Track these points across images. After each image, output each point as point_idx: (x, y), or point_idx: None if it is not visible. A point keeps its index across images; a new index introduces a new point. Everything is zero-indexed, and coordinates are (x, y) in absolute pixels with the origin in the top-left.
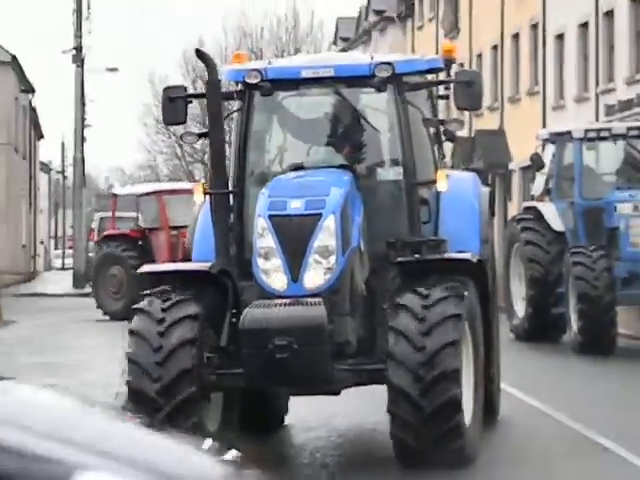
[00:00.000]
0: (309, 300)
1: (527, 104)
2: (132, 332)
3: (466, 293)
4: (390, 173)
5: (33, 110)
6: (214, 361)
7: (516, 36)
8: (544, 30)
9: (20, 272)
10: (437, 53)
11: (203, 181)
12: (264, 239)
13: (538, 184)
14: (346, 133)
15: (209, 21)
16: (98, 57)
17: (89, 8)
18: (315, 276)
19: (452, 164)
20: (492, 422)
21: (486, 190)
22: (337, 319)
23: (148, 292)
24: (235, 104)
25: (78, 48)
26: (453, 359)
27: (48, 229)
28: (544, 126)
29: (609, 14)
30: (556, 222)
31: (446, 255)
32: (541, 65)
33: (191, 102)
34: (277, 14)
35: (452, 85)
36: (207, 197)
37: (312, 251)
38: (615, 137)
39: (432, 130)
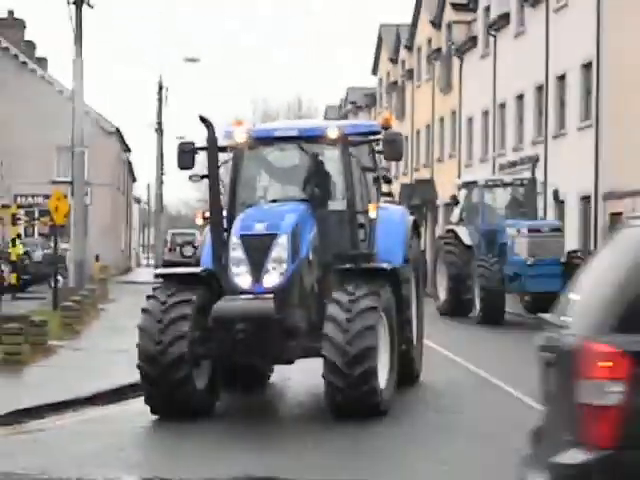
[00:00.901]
0: (263, 296)
1: (448, 163)
2: (143, 310)
3: (382, 292)
4: (337, 204)
5: (129, 163)
6: (204, 336)
7: (442, 119)
8: (460, 116)
9: (120, 267)
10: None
11: (203, 209)
12: (236, 252)
13: (455, 214)
14: (307, 176)
15: (242, 106)
16: (172, 126)
17: (167, 99)
18: (271, 278)
19: (399, 201)
20: (413, 380)
21: (411, 218)
22: (288, 309)
23: (155, 287)
24: (227, 155)
25: (159, 123)
26: (370, 339)
27: (138, 240)
28: (459, 177)
29: (502, 106)
30: (467, 239)
31: (371, 265)
32: (457, 138)
33: (198, 153)
34: (288, 101)
35: (381, 142)
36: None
37: (269, 260)
38: (505, 185)
39: (373, 175)
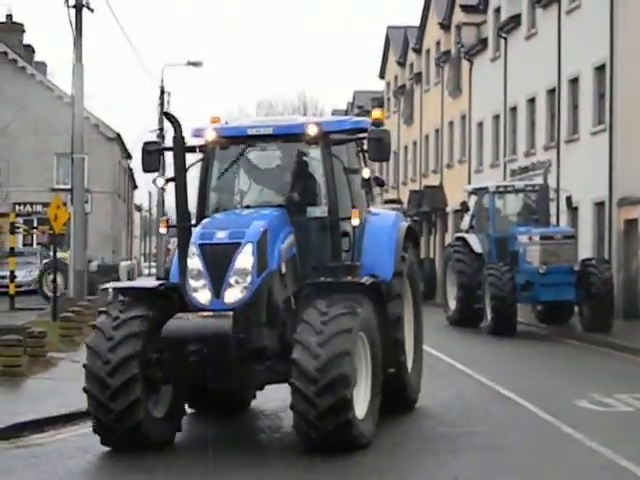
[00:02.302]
0: (221, 314)
1: (458, 168)
2: (94, 327)
3: (359, 310)
4: (317, 211)
5: (130, 170)
6: (161, 358)
7: (451, 124)
8: (470, 120)
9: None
10: (398, 135)
11: (166, 217)
12: (194, 262)
13: (465, 221)
14: (284, 179)
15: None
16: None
17: (169, 103)
18: (233, 293)
19: (407, 208)
20: (409, 407)
21: (405, 225)
22: (253, 329)
23: (108, 303)
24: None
25: (161, 129)
26: (344, 366)
27: (139, 248)
28: (469, 183)
29: (514, 110)
30: (477, 247)
31: (347, 279)
32: (467, 143)
33: (163, 154)
34: (293, 104)
35: (367, 141)
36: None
37: (231, 273)
38: (516, 191)
39: (362, 177)
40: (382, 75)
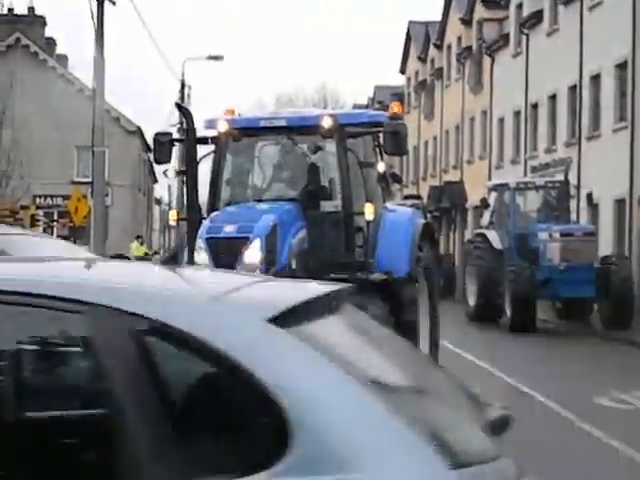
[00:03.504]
0: None
1: (479, 164)
2: None
3: (369, 307)
4: (331, 205)
5: (150, 163)
6: None
7: (472, 119)
8: (491, 116)
9: None
10: (419, 131)
11: (176, 210)
12: (201, 257)
13: (485, 218)
14: (298, 172)
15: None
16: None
17: (189, 97)
18: None
19: (427, 204)
20: None
21: (421, 222)
22: None
23: None
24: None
25: (181, 122)
26: None
27: (159, 242)
28: (490, 179)
29: (535, 106)
30: (497, 243)
31: (353, 276)
32: (488, 139)
33: (175, 145)
34: (313, 99)
35: (383, 134)
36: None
37: (239, 268)
38: (537, 188)
39: (377, 172)
40: (403, 70)
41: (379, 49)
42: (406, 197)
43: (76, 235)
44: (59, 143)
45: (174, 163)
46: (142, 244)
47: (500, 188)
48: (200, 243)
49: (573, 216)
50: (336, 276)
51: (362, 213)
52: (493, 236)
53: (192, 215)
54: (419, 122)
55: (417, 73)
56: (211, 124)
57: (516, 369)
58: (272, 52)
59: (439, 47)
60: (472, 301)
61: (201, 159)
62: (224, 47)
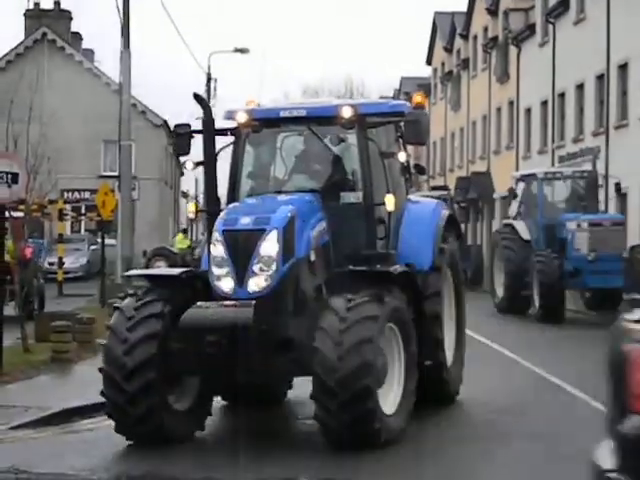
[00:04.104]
0: (242, 303)
1: (506, 155)
2: (116, 308)
3: (388, 299)
4: (352, 197)
5: (177, 157)
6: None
7: (498, 110)
8: (517, 106)
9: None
10: (445, 122)
11: (195, 201)
12: (217, 249)
13: (513, 208)
14: (318, 164)
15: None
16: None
17: (215, 90)
18: (257, 281)
19: (455, 195)
20: (449, 402)
21: (446, 214)
22: (278, 319)
23: (126, 293)
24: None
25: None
26: (367, 354)
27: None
28: (517, 169)
29: (562, 95)
30: (525, 234)
31: (378, 267)
32: (515, 129)
33: (194, 137)
34: (339, 91)
35: (403, 123)
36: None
37: (256, 260)
38: (565, 177)
39: (403, 163)
40: (429, 61)
41: (405, 40)
42: (433, 188)
43: (104, 229)
44: (86, 137)
45: (194, 155)
46: (185, 237)
47: (527, 178)
48: (216, 236)
49: (601, 206)
50: (355, 269)
51: (383, 204)
52: (521, 227)
53: (211, 207)
54: (446, 113)
55: (443, 64)
56: (230, 115)
57: (543, 359)
58: (298, 44)
59: (465, 37)
60: (500, 292)
61: (220, 151)
62: (250, 40)
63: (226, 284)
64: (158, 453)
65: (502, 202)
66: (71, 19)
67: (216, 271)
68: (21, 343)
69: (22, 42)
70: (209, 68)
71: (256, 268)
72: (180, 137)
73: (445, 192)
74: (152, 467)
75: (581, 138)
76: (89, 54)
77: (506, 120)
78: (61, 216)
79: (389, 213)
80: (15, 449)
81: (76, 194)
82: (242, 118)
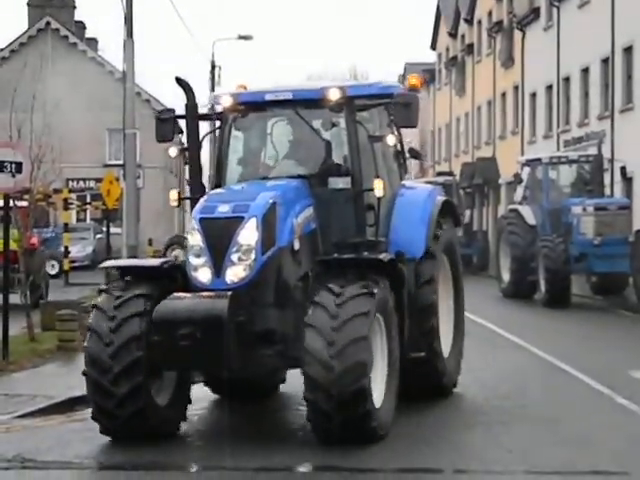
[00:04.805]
0: (218, 294)
1: (511, 140)
2: (94, 306)
3: (376, 290)
4: (340, 182)
5: (182, 144)
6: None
7: (503, 95)
8: (522, 91)
9: None
10: (450, 107)
11: (177, 189)
12: (194, 238)
13: (518, 193)
14: (306, 149)
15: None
16: None
17: (219, 78)
18: (235, 272)
19: (460, 181)
20: (445, 394)
21: (441, 200)
22: (257, 310)
23: (105, 286)
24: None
25: (212, 104)
26: (362, 353)
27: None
28: (522, 154)
29: (567, 80)
30: (530, 219)
31: (365, 255)
32: (520, 114)
33: (177, 122)
34: (343, 77)
35: (393, 105)
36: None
37: (234, 249)
38: (570, 162)
39: (396, 149)
40: (433, 46)
41: (409, 26)
42: (439, 174)
43: (109, 218)
44: (91, 126)
45: (178, 142)
46: None
47: (533, 163)
48: (193, 224)
49: (607, 190)
50: (341, 257)
51: (373, 189)
52: (526, 211)
53: (195, 195)
54: (450, 98)
55: (448, 49)
56: (215, 99)
57: (550, 344)
58: (302, 31)
59: (470, 22)
60: (506, 277)
61: (204, 136)
62: (254, 27)
63: (203, 275)
64: (163, 441)
65: (508, 187)
66: (74, 8)
67: (193, 261)
68: (27, 332)
69: (26, 31)
70: (213, 55)
71: (234, 258)
72: (163, 123)
73: (450, 178)
74: (156, 455)
75: (586, 122)
76: (93, 43)
77: (511, 105)
78: (66, 205)
79: (379, 199)
80: (21, 437)
81: (81, 183)
82: (227, 102)
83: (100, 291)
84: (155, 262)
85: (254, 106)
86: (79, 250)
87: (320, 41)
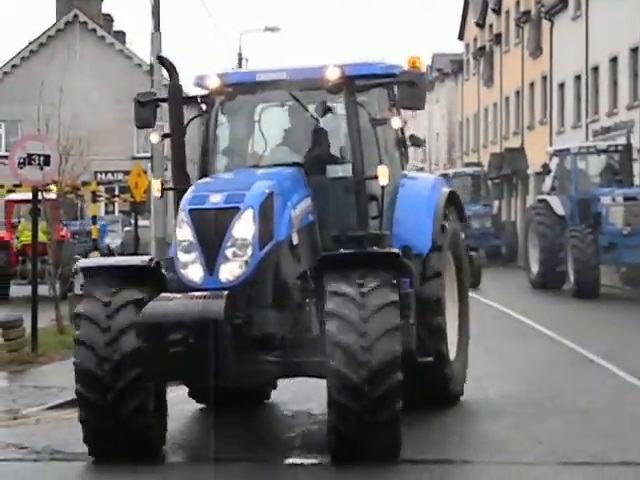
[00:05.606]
0: (212, 294)
1: (539, 130)
2: (78, 315)
3: (394, 281)
4: (339, 170)
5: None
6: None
7: (532, 85)
8: (551, 81)
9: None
10: (478, 97)
11: (161, 178)
12: (183, 232)
13: (547, 184)
14: (301, 133)
15: None
16: None
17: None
18: (230, 269)
19: (488, 172)
20: (450, 402)
21: (446, 191)
22: (255, 312)
23: (81, 291)
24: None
25: None
26: (395, 344)
27: None
28: (551, 144)
29: (595, 69)
30: (559, 209)
31: (375, 249)
32: (548, 104)
33: (159, 106)
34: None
35: (397, 86)
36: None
37: (228, 244)
38: (599, 152)
39: (397, 134)
40: (461, 37)
41: (437, 16)
42: (467, 165)
43: (137, 210)
44: (119, 119)
45: (160, 128)
46: None
47: (561, 153)
48: (182, 216)
49: (636, 180)
50: (354, 251)
51: (376, 177)
52: (555, 202)
53: (179, 185)
54: (478, 89)
55: (476, 39)
56: (200, 81)
57: (580, 335)
58: (329, 22)
59: (497, 12)
60: (535, 268)
61: (189, 121)
62: (281, 18)
63: (194, 272)
64: (188, 431)
65: (536, 178)
66: (102, 1)
67: (182, 257)
68: (56, 324)
69: (54, 25)
70: (240, 48)
71: (229, 253)
72: (143, 107)
73: (479, 168)
74: (180, 445)
75: (615, 112)
76: (120, 36)
77: (539, 95)
78: (94, 198)
79: (382, 188)
80: (50, 429)
81: (109, 176)
82: (214, 83)
83: (79, 296)
84: (138, 260)
85: (244, 88)
86: (108, 242)
87: (348, 32)
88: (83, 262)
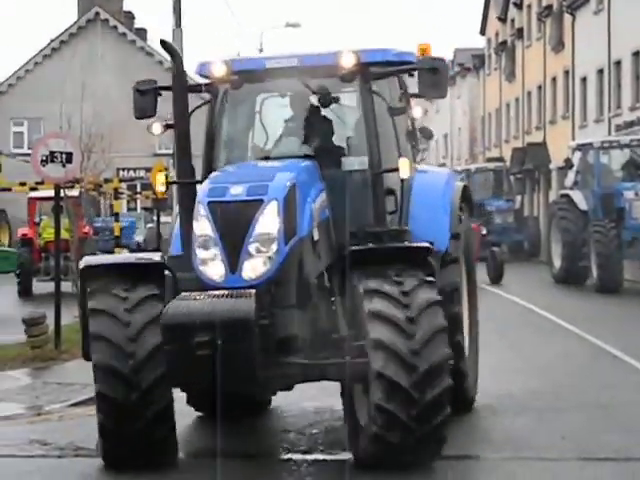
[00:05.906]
0: (239, 292)
1: (562, 124)
2: (94, 311)
3: (432, 279)
4: (355, 162)
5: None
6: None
7: (554, 79)
8: (573, 75)
9: None
10: (500, 92)
11: (166, 172)
12: (202, 227)
13: (569, 178)
14: (313, 124)
15: None
16: None
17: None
18: (254, 266)
19: (511, 167)
20: (466, 405)
21: (460, 185)
22: (279, 312)
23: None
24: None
25: None
26: (444, 346)
27: None
28: (573, 139)
29: (618, 63)
30: (582, 204)
31: (406, 243)
32: (571, 98)
33: (160, 94)
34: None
35: (417, 73)
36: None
37: (251, 239)
38: (622, 146)
39: (408, 126)
40: (483, 32)
41: (459, 11)
42: (489, 160)
43: (159, 207)
44: None
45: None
46: None
47: (584, 148)
48: (200, 209)
49: None
50: (383, 246)
51: (394, 170)
52: (578, 197)
53: (184, 178)
54: (500, 83)
55: (497, 34)
56: (204, 68)
57: (603, 330)
58: (350, 18)
59: (519, 7)
60: (558, 263)
61: (193, 111)
62: (302, 14)
63: (214, 270)
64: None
65: (559, 172)
66: None
67: (201, 254)
68: (79, 320)
69: (75, 22)
70: (261, 45)
71: (252, 249)
72: (143, 95)
73: (501, 163)
74: (205, 442)
75: (638, 106)
76: (142, 33)
77: (562, 89)
78: (117, 195)
79: (402, 181)
80: (74, 426)
81: (131, 172)
82: (220, 71)
83: (90, 292)
84: (155, 257)
85: (251, 76)
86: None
87: (369, 27)
88: (87, 261)
